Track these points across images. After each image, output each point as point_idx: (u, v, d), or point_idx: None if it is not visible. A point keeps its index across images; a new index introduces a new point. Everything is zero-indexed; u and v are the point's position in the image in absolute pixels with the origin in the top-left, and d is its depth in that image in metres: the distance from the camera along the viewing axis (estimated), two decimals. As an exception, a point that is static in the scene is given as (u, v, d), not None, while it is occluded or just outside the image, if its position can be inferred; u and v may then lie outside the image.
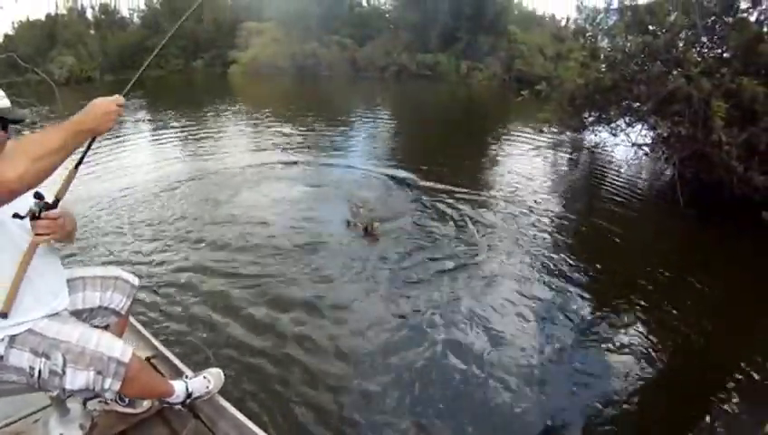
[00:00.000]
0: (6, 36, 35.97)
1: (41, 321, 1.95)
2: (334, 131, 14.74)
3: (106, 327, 2.34)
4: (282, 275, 5.42)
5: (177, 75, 34.34)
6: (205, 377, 2.60)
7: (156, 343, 3.06)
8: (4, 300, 1.74)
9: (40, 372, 1.89)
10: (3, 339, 1.86)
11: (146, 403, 2.55)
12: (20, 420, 2.44)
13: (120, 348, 1.98)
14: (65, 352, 1.91)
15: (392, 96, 26.16)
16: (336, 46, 36.41)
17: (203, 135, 13.97)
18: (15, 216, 1.80)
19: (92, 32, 39.49)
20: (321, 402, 3.57)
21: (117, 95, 1.81)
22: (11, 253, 1.84)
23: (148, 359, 2.74)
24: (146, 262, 5.71)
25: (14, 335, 1.88)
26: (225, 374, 2.72)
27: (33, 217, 1.81)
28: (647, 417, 3.63)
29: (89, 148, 1.86)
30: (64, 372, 1.90)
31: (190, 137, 13.73)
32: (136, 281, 2.48)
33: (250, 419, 2.50)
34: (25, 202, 1.77)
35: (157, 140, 13.55)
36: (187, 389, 2.46)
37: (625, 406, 3.66)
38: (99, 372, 1.93)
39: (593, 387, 3.84)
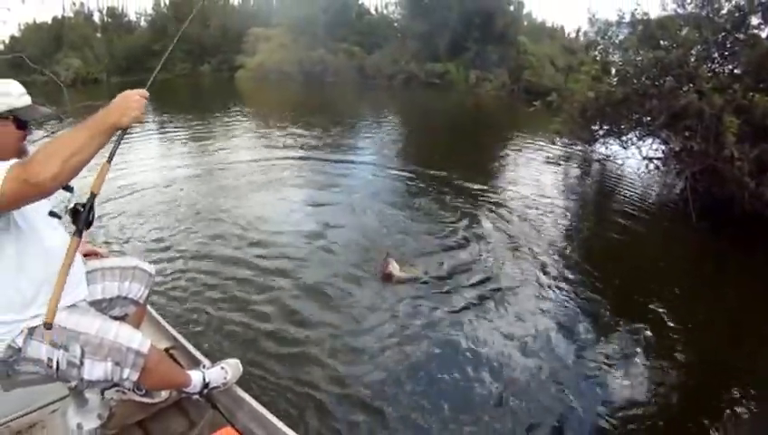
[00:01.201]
0: (12, 38, 36.24)
1: (60, 313, 1.88)
2: (343, 136, 14.86)
3: (124, 317, 2.36)
4: (300, 274, 5.44)
5: (183, 79, 34.41)
6: (222, 367, 2.61)
7: (174, 333, 3.08)
8: (46, 311, 1.69)
9: (58, 363, 1.90)
10: (22, 331, 1.87)
11: (164, 393, 2.56)
12: (38, 410, 2.46)
13: (138, 339, 2.00)
14: (84, 344, 1.92)
15: (401, 104, 26.22)
16: (343, 53, 36.53)
17: (212, 136, 14.08)
18: (52, 214, 1.86)
19: (99, 35, 39.84)
20: (340, 396, 3.60)
21: (141, 89, 1.82)
22: (41, 256, 1.86)
23: (166, 350, 2.75)
24: (160, 256, 5.78)
25: (33, 327, 1.88)
26: (243, 365, 2.72)
27: (72, 214, 1.79)
28: (658, 424, 3.61)
29: (119, 141, 1.84)
30: (82, 363, 1.92)
31: (199, 138, 13.83)
32: (153, 270, 2.49)
33: (268, 409, 2.50)
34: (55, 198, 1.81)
35: (166, 140, 13.68)
36: (204, 378, 2.47)
37: (636, 414, 3.66)
38: (117, 363, 1.95)
39: (606, 396, 3.83)
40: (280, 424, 2.39)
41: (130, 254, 5.63)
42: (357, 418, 3.41)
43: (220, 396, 2.61)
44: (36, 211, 1.88)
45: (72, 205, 1.79)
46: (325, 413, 3.42)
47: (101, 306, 2.25)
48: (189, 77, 36.49)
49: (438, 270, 5.68)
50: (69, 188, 1.84)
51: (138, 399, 2.52)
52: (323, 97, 28.91)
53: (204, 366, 2.62)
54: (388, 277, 5.26)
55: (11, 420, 2.37)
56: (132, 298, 2.37)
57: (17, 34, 36.87)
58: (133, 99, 1.76)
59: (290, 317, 4.59)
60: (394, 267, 5.29)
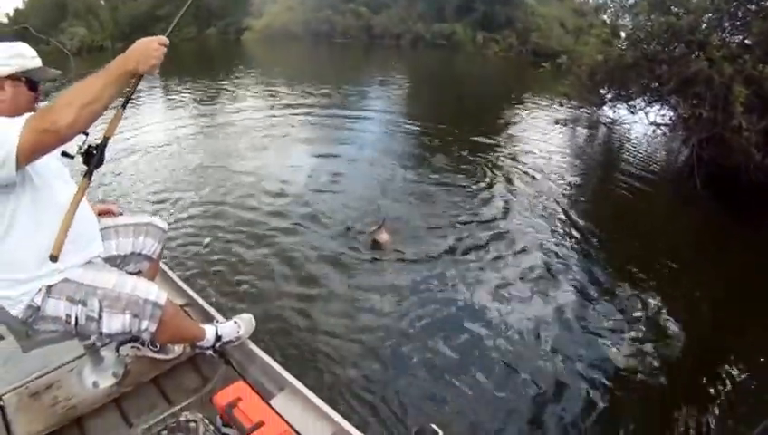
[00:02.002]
0: (17, 11, 35.98)
1: (77, 269, 1.98)
2: (351, 94, 14.84)
3: (138, 273, 2.40)
4: (307, 234, 5.56)
5: (189, 43, 33.96)
6: (236, 322, 2.64)
7: (187, 289, 3.11)
8: (53, 245, 1.74)
9: (77, 318, 1.93)
10: (40, 290, 1.89)
11: (177, 349, 2.60)
12: (55, 369, 2.49)
13: (155, 292, 2.05)
14: (102, 298, 1.95)
15: (408, 64, 25.85)
16: (350, 14, 36.02)
17: (219, 96, 14.12)
18: (65, 154, 1.88)
19: (103, 2, 39.38)
20: (347, 351, 3.71)
21: (160, 36, 1.82)
22: (54, 209, 1.86)
23: (180, 306, 2.77)
24: (169, 214, 5.90)
25: (51, 285, 1.91)
26: (255, 321, 2.76)
27: (84, 156, 1.84)
28: (653, 392, 3.65)
29: (135, 88, 1.87)
30: (101, 317, 1.95)
31: (206, 98, 13.87)
32: (165, 226, 2.53)
33: (280, 364, 2.54)
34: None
35: (173, 100, 13.67)
36: (217, 332, 2.50)
37: (631, 381, 3.70)
38: (135, 315, 1.99)
39: (604, 362, 3.87)
40: (290, 377, 2.43)
41: (141, 212, 5.71)
42: (363, 371, 3.52)
43: (233, 351, 2.64)
44: (48, 167, 1.91)
45: (85, 147, 1.84)
46: (334, 367, 3.52)
47: (116, 262, 2.30)
48: (195, 40, 36.03)
49: (441, 230, 5.75)
50: (84, 131, 1.86)
51: (152, 355, 2.55)
52: (331, 57, 28.77)
53: (217, 321, 2.67)
54: (376, 245, 5.25)
55: (29, 382, 2.41)
56: (146, 254, 2.42)
57: (21, 7, 36.64)
58: (152, 46, 1.76)
59: (298, 275, 4.70)
60: (381, 237, 5.27)
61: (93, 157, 1.82)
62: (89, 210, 2.17)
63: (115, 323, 1.98)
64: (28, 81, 1.91)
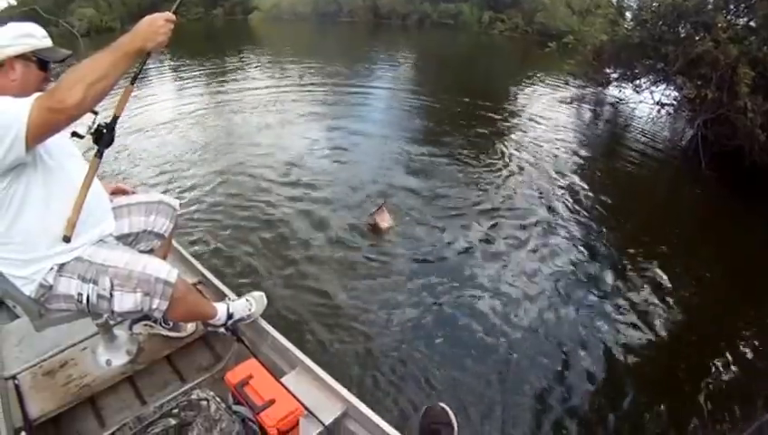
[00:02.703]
0: None
1: (88, 248, 1.98)
2: (359, 71, 14.94)
3: (150, 251, 2.39)
4: (315, 211, 5.61)
5: (196, 23, 33.68)
6: (247, 299, 2.62)
7: (200, 267, 3.07)
8: (65, 225, 1.78)
9: (88, 297, 1.93)
10: (52, 268, 1.89)
11: (190, 327, 2.60)
12: (69, 348, 2.49)
13: (166, 270, 2.01)
14: (113, 277, 1.94)
15: (415, 43, 25.69)
16: (357, -7, 35.71)
17: (226, 73, 14.11)
18: (75, 134, 1.88)
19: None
20: (363, 333, 3.76)
21: (166, 12, 1.80)
22: (67, 189, 1.86)
23: (192, 284, 2.73)
24: (179, 192, 5.94)
25: (63, 264, 1.91)
26: (268, 298, 2.75)
27: (94, 135, 1.85)
28: (653, 375, 3.70)
29: (143, 65, 1.88)
30: (112, 296, 1.93)
31: (213, 75, 13.85)
32: (177, 204, 2.51)
33: (292, 342, 2.54)
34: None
35: (180, 80, 13.52)
36: (229, 310, 2.49)
37: (633, 365, 3.73)
38: (146, 294, 1.96)
39: (603, 342, 3.91)
40: (302, 355, 2.42)
41: (152, 190, 5.73)
42: (374, 351, 3.58)
43: (246, 329, 2.62)
44: (59, 146, 1.91)
45: (95, 126, 1.84)
46: (345, 346, 3.59)
47: (128, 241, 2.29)
48: (202, 21, 35.70)
49: (447, 207, 5.82)
50: (94, 111, 1.84)
51: (165, 333, 2.56)
52: (338, 37, 28.59)
53: (229, 299, 2.65)
54: (377, 228, 5.22)
55: (42, 361, 2.42)
56: (158, 232, 2.40)
57: (29, -10, 36.12)
58: (158, 23, 1.75)
59: (310, 253, 4.78)
60: (382, 220, 5.25)
61: (103, 136, 1.83)
62: (101, 189, 2.16)
63: (126, 301, 1.96)
64: (38, 61, 1.90)
